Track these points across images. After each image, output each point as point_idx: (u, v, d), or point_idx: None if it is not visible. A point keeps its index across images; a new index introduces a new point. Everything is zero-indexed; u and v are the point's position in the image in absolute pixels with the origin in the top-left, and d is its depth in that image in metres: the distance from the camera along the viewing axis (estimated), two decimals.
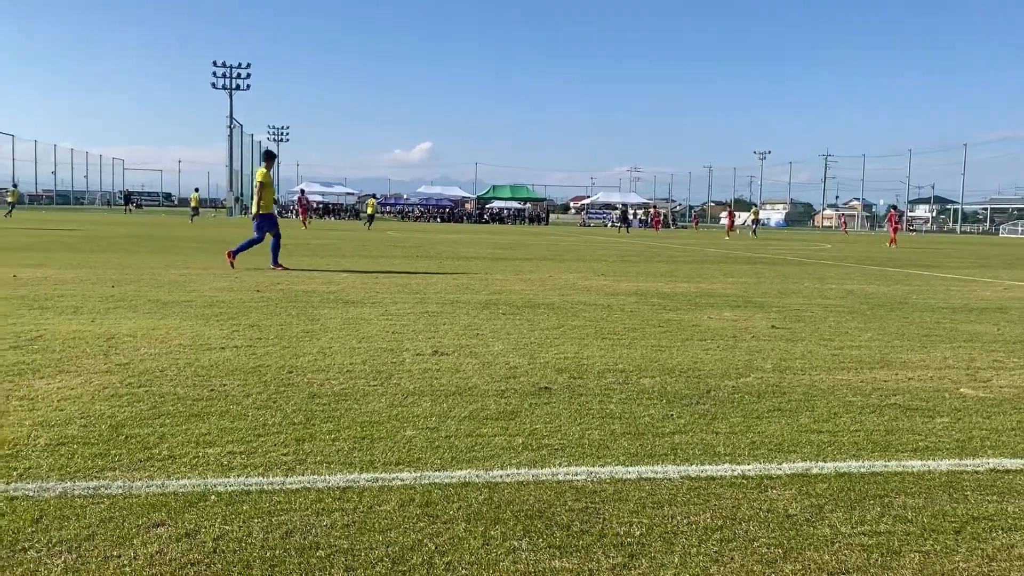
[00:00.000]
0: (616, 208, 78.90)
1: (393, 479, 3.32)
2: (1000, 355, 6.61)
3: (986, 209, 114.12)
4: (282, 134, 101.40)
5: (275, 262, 13.28)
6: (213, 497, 3.06)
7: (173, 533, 2.73)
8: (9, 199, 45.02)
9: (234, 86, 72.51)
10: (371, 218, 43.40)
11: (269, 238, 13.50)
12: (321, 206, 73.62)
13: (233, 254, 13.35)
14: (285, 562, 2.55)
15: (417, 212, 75.12)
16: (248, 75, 73.06)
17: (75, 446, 3.59)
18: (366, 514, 2.95)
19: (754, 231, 50.53)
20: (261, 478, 3.27)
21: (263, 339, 6.39)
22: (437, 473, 3.40)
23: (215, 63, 72.60)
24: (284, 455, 3.56)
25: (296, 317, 7.65)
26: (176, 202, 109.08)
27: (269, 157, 13.77)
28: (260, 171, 13.60)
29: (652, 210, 65.14)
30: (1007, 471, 3.65)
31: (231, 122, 73.13)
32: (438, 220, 70.84)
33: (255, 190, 13.62)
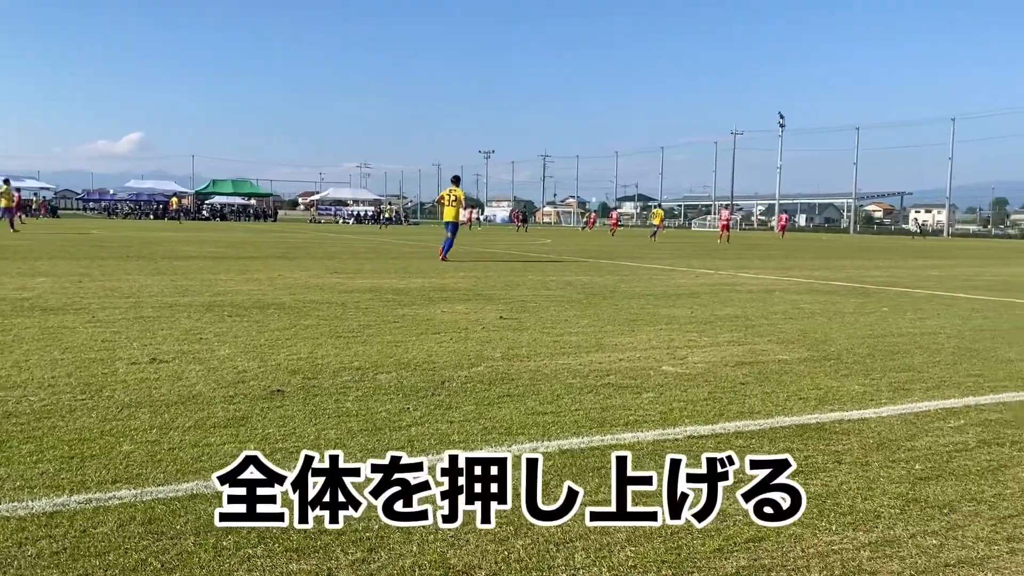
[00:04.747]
0: (348, 204, 78.15)
1: (110, 498, 3.05)
2: (693, 335, 7.46)
3: (680, 205, 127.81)
4: None
5: (445, 256, 17.51)
6: None
7: None
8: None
9: None
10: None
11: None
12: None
13: (443, 252, 17.60)
14: None
15: (126, 209, 69.18)
16: None
17: None
18: (79, 538, 2.69)
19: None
20: None
21: None
22: (160, 488, 3.18)
23: None
24: None
25: None
26: None
27: (458, 180, 18.29)
28: (460, 192, 18.05)
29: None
30: (701, 436, 4.15)
31: None
32: (150, 217, 65.66)
33: (448, 203, 17.83)
